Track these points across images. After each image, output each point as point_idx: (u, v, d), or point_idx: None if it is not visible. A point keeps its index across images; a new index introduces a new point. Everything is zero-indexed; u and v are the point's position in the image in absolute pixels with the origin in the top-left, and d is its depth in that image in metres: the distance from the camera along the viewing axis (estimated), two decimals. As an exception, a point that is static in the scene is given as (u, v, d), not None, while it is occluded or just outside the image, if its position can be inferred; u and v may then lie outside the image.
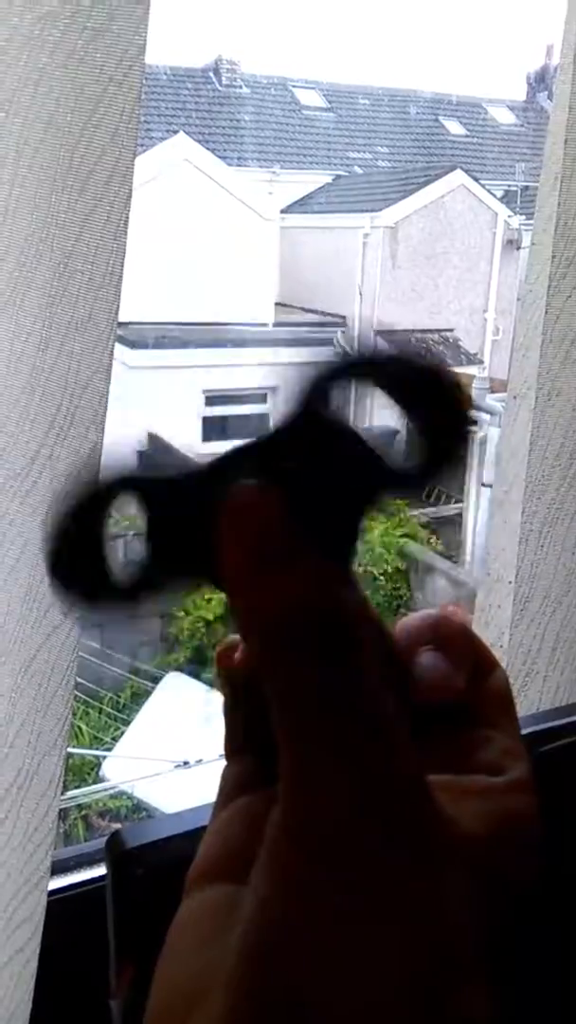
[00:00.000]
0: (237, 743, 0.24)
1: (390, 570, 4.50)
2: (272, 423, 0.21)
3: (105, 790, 3.34)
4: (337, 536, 0.21)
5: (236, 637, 0.25)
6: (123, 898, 0.35)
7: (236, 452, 0.21)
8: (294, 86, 6.64)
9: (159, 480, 0.21)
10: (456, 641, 0.24)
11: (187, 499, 0.21)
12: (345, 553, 0.21)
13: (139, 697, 3.86)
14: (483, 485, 4.44)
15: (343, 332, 5.52)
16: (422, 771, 0.19)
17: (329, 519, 0.21)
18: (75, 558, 0.21)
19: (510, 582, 0.71)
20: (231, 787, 0.23)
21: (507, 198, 6.20)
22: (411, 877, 0.18)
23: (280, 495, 0.20)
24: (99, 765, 3.52)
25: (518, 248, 5.84)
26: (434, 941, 0.18)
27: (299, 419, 0.21)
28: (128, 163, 0.47)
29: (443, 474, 0.21)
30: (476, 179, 6.07)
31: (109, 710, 3.83)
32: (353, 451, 0.21)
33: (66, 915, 0.57)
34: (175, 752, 2.99)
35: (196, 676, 3.79)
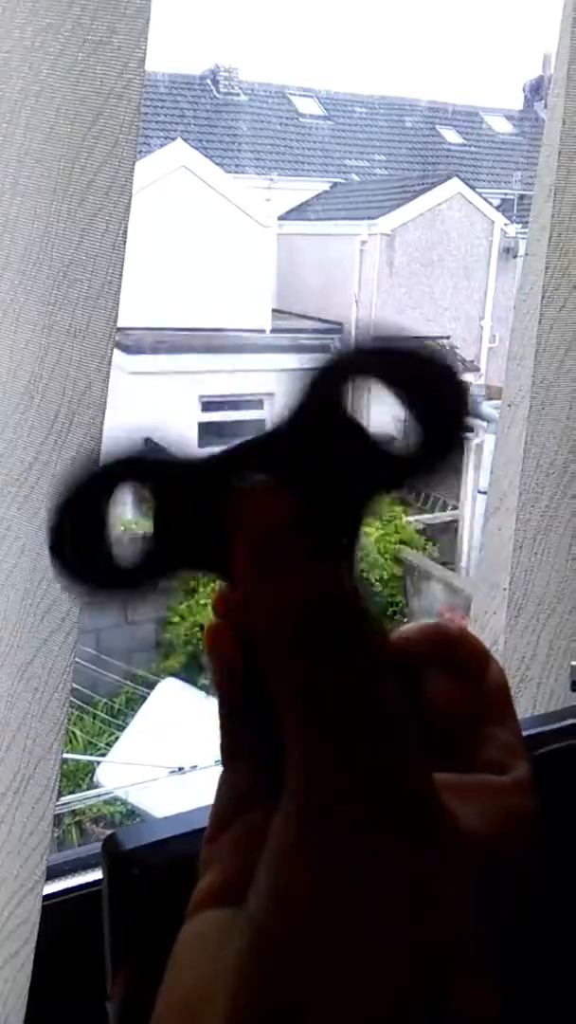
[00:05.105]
0: (234, 748, 0.24)
1: (387, 576, 4.50)
2: (277, 418, 0.21)
3: (99, 796, 3.33)
4: (341, 529, 0.21)
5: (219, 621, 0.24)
6: (120, 899, 0.35)
7: (243, 446, 0.21)
8: (292, 94, 6.67)
9: (166, 464, 0.21)
10: (456, 651, 0.24)
11: (193, 486, 0.20)
12: (348, 546, 0.21)
13: (134, 703, 3.85)
14: (479, 492, 4.45)
15: (340, 338, 5.50)
16: (429, 771, 0.19)
17: (335, 512, 0.21)
18: (77, 539, 0.20)
19: (504, 589, 0.71)
20: (229, 798, 0.23)
21: (504, 206, 6.23)
22: (416, 878, 0.18)
23: (290, 492, 0.20)
24: (94, 771, 3.51)
25: (515, 256, 5.86)
26: (436, 943, 0.18)
27: (303, 413, 0.21)
28: (127, 174, 0.48)
29: (445, 463, 0.21)
30: (473, 187, 6.10)
31: (104, 715, 3.82)
32: (357, 443, 0.21)
33: (61, 919, 0.58)
34: (170, 758, 2.98)
35: (192, 682, 3.78)
